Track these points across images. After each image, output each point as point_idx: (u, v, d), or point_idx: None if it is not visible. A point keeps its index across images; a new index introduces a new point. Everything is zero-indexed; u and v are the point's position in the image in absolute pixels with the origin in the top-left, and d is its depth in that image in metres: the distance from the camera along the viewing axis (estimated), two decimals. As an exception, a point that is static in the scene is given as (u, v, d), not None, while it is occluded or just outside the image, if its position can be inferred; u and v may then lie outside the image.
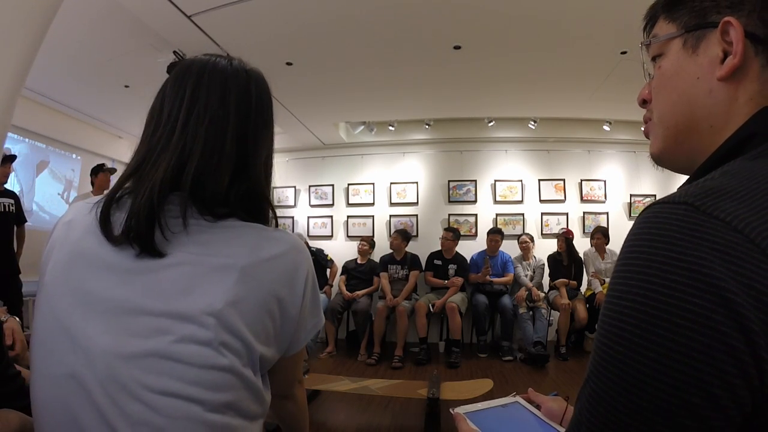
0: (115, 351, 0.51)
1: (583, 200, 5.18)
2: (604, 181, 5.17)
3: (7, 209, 3.22)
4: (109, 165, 4.13)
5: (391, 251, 4.70)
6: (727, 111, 0.44)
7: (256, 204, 0.64)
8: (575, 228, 5.00)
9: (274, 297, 0.57)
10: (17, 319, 1.18)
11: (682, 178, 0.47)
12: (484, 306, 4.35)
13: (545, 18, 2.78)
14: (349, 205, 5.52)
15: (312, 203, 5.63)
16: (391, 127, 5.14)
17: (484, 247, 4.73)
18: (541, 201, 5.20)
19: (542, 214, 5.17)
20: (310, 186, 5.65)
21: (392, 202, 5.42)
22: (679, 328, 0.31)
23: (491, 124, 4.98)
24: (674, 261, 0.33)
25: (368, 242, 4.90)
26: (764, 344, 0.30)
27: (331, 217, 5.54)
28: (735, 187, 0.35)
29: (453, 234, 4.62)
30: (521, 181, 5.24)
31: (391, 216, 5.39)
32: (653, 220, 0.36)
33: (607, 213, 5.10)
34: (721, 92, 0.44)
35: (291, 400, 0.76)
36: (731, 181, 0.36)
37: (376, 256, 4.86)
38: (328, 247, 5.13)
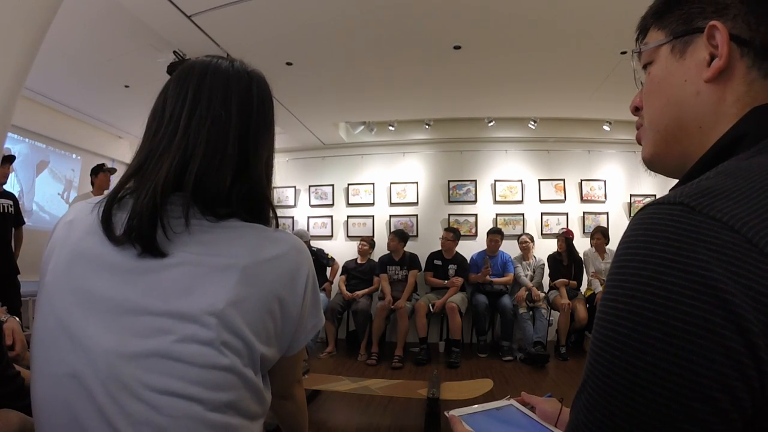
0: (117, 350, 0.51)
1: (583, 200, 5.18)
2: (604, 181, 5.17)
3: (6, 210, 3.22)
4: (109, 165, 4.13)
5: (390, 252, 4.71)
6: (714, 112, 0.44)
7: (257, 204, 0.65)
8: (575, 228, 5.00)
9: (275, 297, 0.58)
10: (17, 319, 1.18)
11: None
12: (484, 306, 4.35)
13: (545, 18, 2.78)
14: (349, 205, 5.52)
15: (312, 203, 5.63)
16: (391, 127, 5.14)
17: (484, 247, 4.73)
18: (541, 201, 5.20)
19: (542, 214, 5.17)
20: (310, 186, 5.65)
21: (392, 202, 5.42)
22: (676, 331, 0.31)
23: (491, 124, 4.98)
24: (671, 262, 0.32)
25: (368, 242, 4.90)
26: (764, 346, 0.29)
27: (331, 217, 5.54)
28: (731, 187, 0.34)
29: (453, 234, 4.62)
30: (521, 181, 5.24)
31: (391, 216, 5.39)
32: (648, 221, 0.35)
33: (607, 213, 5.10)
34: (708, 94, 0.45)
35: (290, 400, 0.76)
36: (726, 180, 0.35)
37: (376, 256, 4.86)
38: (328, 247, 5.13)
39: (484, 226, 5.05)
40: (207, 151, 0.59)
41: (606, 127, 4.86)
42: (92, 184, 3.95)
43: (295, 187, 5.69)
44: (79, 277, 0.55)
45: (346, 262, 4.89)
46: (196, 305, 0.53)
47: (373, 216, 5.43)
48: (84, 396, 0.51)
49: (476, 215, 5.24)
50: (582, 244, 4.72)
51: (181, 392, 0.50)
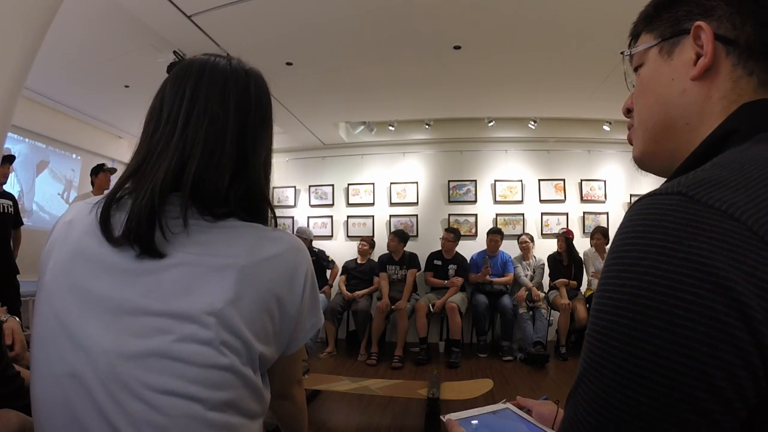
0: (116, 350, 0.51)
1: (583, 200, 5.18)
2: (604, 181, 5.17)
3: (5, 210, 3.22)
4: (109, 165, 4.13)
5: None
6: (701, 109, 0.46)
7: (255, 203, 0.65)
8: (575, 228, 5.00)
9: (273, 296, 0.58)
10: (17, 319, 1.18)
11: None
12: (484, 306, 4.35)
13: (545, 18, 2.78)
14: (349, 205, 5.52)
15: (312, 203, 5.63)
16: (391, 127, 5.14)
17: (484, 247, 4.73)
18: (541, 201, 5.20)
19: (542, 214, 5.17)
20: (310, 186, 5.65)
21: (392, 202, 5.42)
22: (678, 320, 0.30)
23: (491, 124, 4.98)
24: (671, 251, 0.32)
25: (368, 242, 4.89)
26: None
27: (331, 217, 5.54)
28: (728, 177, 0.34)
29: (453, 235, 4.62)
30: (521, 181, 5.24)
31: (391, 216, 5.39)
32: (646, 211, 0.35)
33: (607, 213, 5.10)
34: (694, 91, 0.46)
35: (290, 400, 0.76)
36: (723, 171, 0.35)
37: (376, 256, 4.86)
38: (328, 247, 5.13)
39: (484, 226, 5.05)
40: (205, 151, 0.59)
41: (606, 127, 4.86)
42: (92, 184, 3.95)
43: (295, 187, 5.69)
44: (78, 276, 0.55)
45: (346, 262, 4.89)
46: (195, 305, 0.53)
47: (373, 216, 5.43)
48: (84, 395, 0.51)
49: (476, 215, 5.24)
50: (582, 244, 4.72)
51: (180, 391, 0.51)
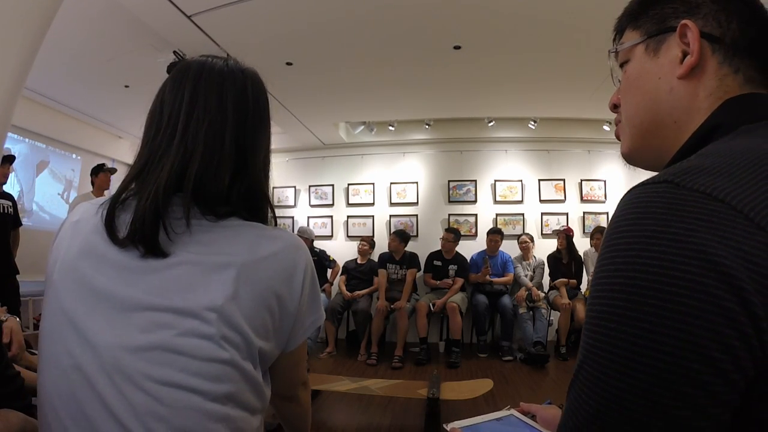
0: (121, 344, 0.53)
1: (583, 200, 5.18)
2: (604, 181, 5.17)
3: (5, 211, 3.21)
4: (109, 165, 4.13)
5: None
6: (688, 107, 0.46)
7: (255, 202, 0.66)
8: (575, 228, 4.99)
9: (272, 293, 0.59)
10: (17, 319, 1.18)
11: None
12: (484, 306, 4.35)
13: (545, 18, 2.78)
14: (349, 205, 5.52)
15: (312, 203, 5.63)
16: (391, 127, 5.14)
17: (484, 247, 4.72)
18: (541, 201, 5.20)
19: (542, 214, 5.17)
20: (310, 186, 5.65)
21: (392, 202, 5.42)
22: (671, 296, 0.31)
23: (491, 124, 4.98)
24: (660, 234, 0.33)
25: (368, 242, 4.89)
26: (759, 303, 0.30)
27: (331, 217, 5.54)
28: (711, 164, 0.36)
29: (454, 235, 4.61)
30: (521, 181, 5.24)
31: (391, 216, 5.39)
32: (636, 200, 0.36)
33: (607, 213, 5.09)
34: (681, 90, 0.47)
35: (294, 402, 0.77)
36: (707, 160, 0.37)
37: (376, 256, 4.85)
38: (328, 247, 5.13)
39: (484, 226, 5.05)
40: (205, 153, 0.61)
41: (606, 127, 4.86)
42: (92, 184, 3.94)
43: (295, 187, 5.69)
44: (85, 274, 0.57)
45: (346, 262, 4.89)
46: (196, 302, 0.55)
47: (373, 216, 5.43)
48: (88, 388, 0.53)
49: (476, 215, 5.24)
50: (582, 244, 4.72)
51: (182, 383, 0.52)
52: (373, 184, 5.47)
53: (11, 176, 3.61)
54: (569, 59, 3.33)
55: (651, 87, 0.49)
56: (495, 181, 5.26)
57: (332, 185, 5.57)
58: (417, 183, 5.38)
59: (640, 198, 0.36)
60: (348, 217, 5.50)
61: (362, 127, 5.38)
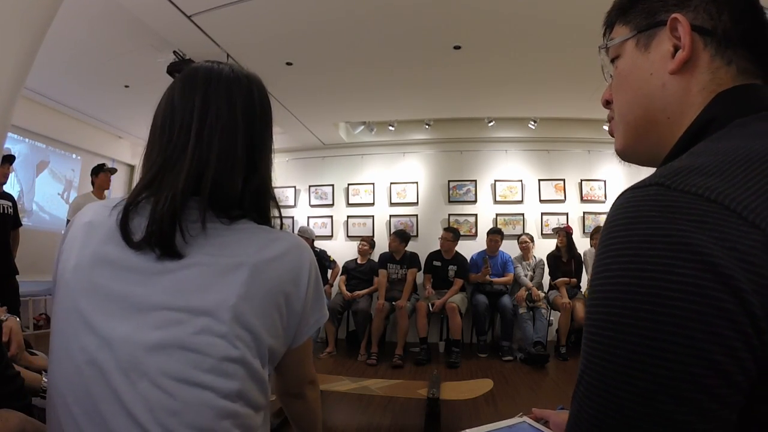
0: (138, 341, 0.55)
1: (583, 200, 5.18)
2: (604, 181, 5.17)
3: (5, 211, 3.21)
4: (109, 165, 4.12)
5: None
6: (681, 102, 0.46)
7: (264, 203, 0.69)
8: (575, 228, 4.99)
9: (281, 292, 0.62)
10: (17, 318, 1.18)
11: None
12: (484, 306, 4.35)
13: (545, 18, 2.78)
14: (349, 205, 5.52)
15: (312, 203, 5.63)
16: (391, 127, 5.14)
17: (484, 247, 4.72)
18: (541, 201, 5.20)
19: (542, 214, 5.17)
20: (310, 186, 5.65)
21: (392, 202, 5.42)
22: (669, 300, 0.31)
23: (491, 124, 4.98)
24: (654, 237, 0.32)
25: (368, 242, 4.89)
26: (758, 303, 0.30)
27: (331, 217, 5.54)
28: (702, 164, 0.35)
29: (453, 234, 4.60)
30: (521, 181, 5.24)
31: (391, 216, 5.39)
32: (626, 205, 0.36)
33: (607, 213, 5.08)
34: (673, 85, 0.46)
35: (301, 400, 0.78)
36: (698, 159, 0.36)
37: (376, 256, 4.85)
38: (328, 247, 5.13)
39: (484, 226, 5.05)
40: (220, 158, 0.63)
41: (606, 127, 4.84)
42: (92, 184, 3.94)
43: (295, 187, 5.69)
44: (101, 278, 0.59)
45: (346, 263, 4.89)
46: (211, 301, 0.57)
47: (373, 216, 5.43)
48: (103, 383, 0.54)
49: (476, 215, 5.24)
50: (582, 245, 4.72)
51: (196, 380, 0.54)
52: (373, 184, 5.47)
53: (11, 176, 3.60)
54: (569, 59, 3.33)
55: (643, 83, 0.48)
56: (495, 181, 5.26)
57: (332, 185, 5.57)
58: (417, 183, 5.38)
59: (631, 202, 0.36)
60: (348, 217, 5.50)
61: (362, 127, 5.38)
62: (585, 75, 3.58)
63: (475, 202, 5.27)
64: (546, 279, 4.61)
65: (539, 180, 5.22)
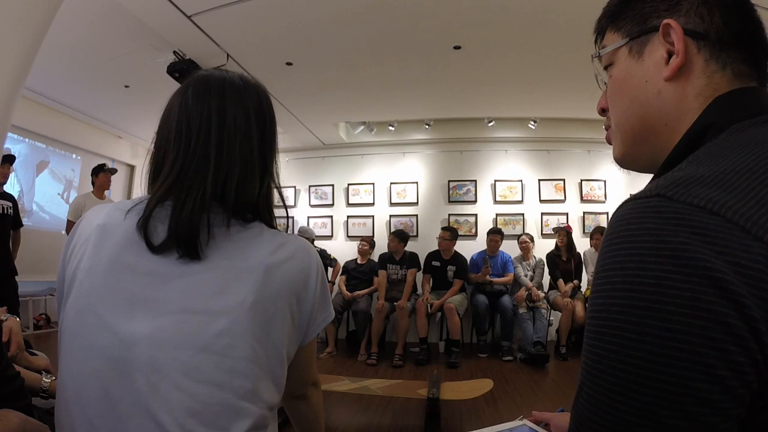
0: (158, 343, 0.56)
1: (583, 200, 5.18)
2: (604, 181, 5.17)
3: (5, 212, 3.21)
4: (109, 165, 4.12)
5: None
6: (678, 108, 0.45)
7: (272, 206, 0.71)
8: (575, 228, 4.99)
9: (293, 293, 0.64)
10: (18, 319, 1.18)
11: None
12: (484, 306, 4.34)
13: (545, 18, 2.78)
14: (349, 205, 5.52)
15: (312, 203, 5.63)
16: (391, 127, 5.14)
17: (484, 247, 4.72)
18: (541, 201, 5.20)
19: (542, 214, 5.17)
20: (310, 186, 5.65)
21: (392, 202, 5.42)
22: (671, 315, 0.31)
23: (491, 124, 4.98)
24: (656, 250, 0.32)
25: (368, 242, 4.89)
26: (761, 318, 0.29)
27: (331, 217, 5.54)
28: (703, 174, 0.35)
29: (450, 234, 4.57)
30: (521, 181, 5.24)
31: (391, 216, 5.39)
32: (628, 215, 0.35)
33: (607, 213, 5.09)
34: (669, 92, 0.45)
35: (303, 401, 0.78)
36: (699, 168, 0.36)
37: (376, 256, 4.85)
38: (328, 247, 5.13)
39: (484, 226, 5.05)
40: (241, 166, 0.65)
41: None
42: (92, 184, 3.94)
43: (295, 187, 5.69)
44: (120, 281, 0.59)
45: (346, 263, 4.89)
46: (229, 303, 0.58)
47: (373, 216, 5.43)
48: (123, 384, 0.55)
49: (476, 215, 5.24)
50: (582, 245, 4.72)
51: (216, 381, 0.56)
52: (373, 184, 5.47)
53: (11, 176, 3.60)
54: (569, 59, 3.33)
55: (638, 92, 0.48)
56: (495, 181, 5.26)
57: (332, 185, 5.57)
58: (417, 183, 5.38)
59: (632, 213, 0.35)
60: (348, 217, 5.50)
61: (362, 127, 5.38)
62: (585, 75, 3.57)
63: (475, 202, 5.27)
64: (546, 279, 4.61)
65: (539, 180, 5.22)
